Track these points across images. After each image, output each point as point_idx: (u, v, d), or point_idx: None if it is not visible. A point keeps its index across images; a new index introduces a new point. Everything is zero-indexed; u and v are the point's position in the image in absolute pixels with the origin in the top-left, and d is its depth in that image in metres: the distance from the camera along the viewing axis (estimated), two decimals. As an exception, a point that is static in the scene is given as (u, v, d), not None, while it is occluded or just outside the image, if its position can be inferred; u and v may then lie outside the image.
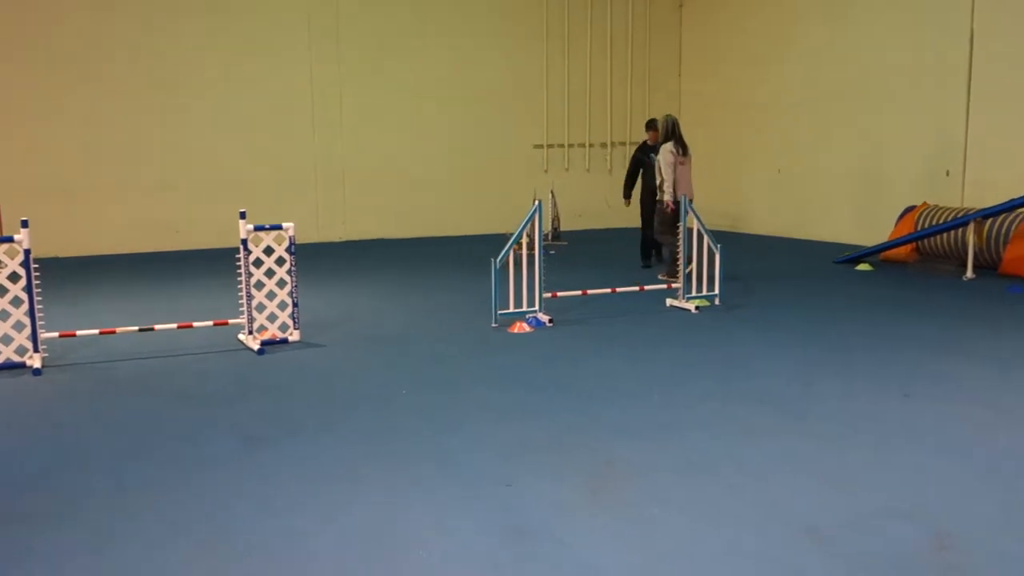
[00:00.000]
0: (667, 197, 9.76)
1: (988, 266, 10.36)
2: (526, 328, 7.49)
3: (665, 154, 9.76)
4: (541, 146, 16.36)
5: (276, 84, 14.35)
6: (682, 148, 9.88)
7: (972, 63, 11.64)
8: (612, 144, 16.72)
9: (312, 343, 7.14)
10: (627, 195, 11.73)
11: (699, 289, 8.58)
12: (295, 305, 7.15)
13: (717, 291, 8.59)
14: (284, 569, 3.33)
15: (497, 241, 14.42)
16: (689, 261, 8.43)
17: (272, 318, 7.28)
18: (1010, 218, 10.23)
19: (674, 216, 9.36)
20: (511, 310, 7.77)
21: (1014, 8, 11.11)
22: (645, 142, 11.34)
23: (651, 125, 11.15)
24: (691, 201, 9.72)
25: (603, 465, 4.33)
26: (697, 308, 8.26)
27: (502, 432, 4.85)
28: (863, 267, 11.02)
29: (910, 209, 11.83)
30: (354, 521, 3.75)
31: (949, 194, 12.01)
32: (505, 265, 7.62)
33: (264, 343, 6.98)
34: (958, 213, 10.92)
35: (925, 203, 11.73)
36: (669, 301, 8.57)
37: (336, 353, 6.83)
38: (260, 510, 3.87)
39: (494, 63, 15.85)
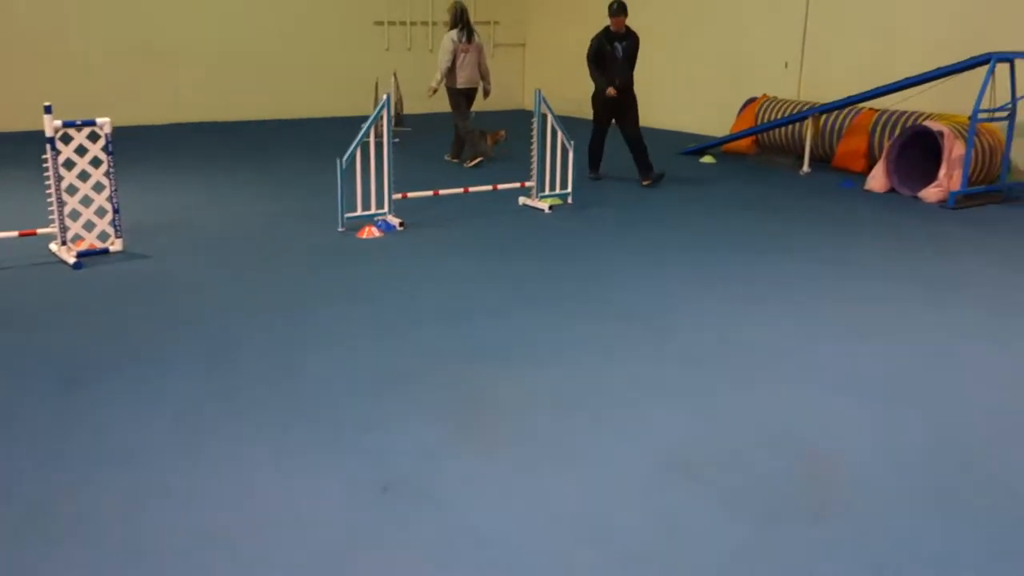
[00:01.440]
0: (432, 83, 10.27)
1: (822, 159, 10.67)
2: (376, 233, 7.09)
3: (446, 41, 10.08)
4: (382, 23, 15.46)
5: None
6: (468, 35, 10.12)
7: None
8: (455, 22, 15.95)
9: (137, 253, 6.49)
10: (610, 82, 9.40)
11: (552, 187, 8.37)
12: (116, 211, 6.44)
13: (570, 189, 8.42)
14: (112, 540, 2.95)
15: (338, 125, 13.72)
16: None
17: (89, 226, 6.54)
18: (844, 113, 10.51)
19: (456, 98, 10.22)
20: (359, 213, 7.32)
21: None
22: (607, 28, 9.46)
23: (619, 9, 9.32)
24: (474, 91, 10.32)
25: (470, 401, 4.12)
26: (550, 208, 8.07)
27: (358, 360, 4.53)
28: (707, 159, 11.14)
29: (751, 101, 11.98)
30: (195, 481, 3.38)
31: (787, 86, 12.22)
32: (351, 163, 7.12)
33: (81, 255, 6.28)
34: (796, 106, 11.14)
35: (764, 95, 11.90)
36: (522, 200, 8.34)
37: (164, 266, 6.23)
38: (87, 462, 3.43)
39: (328, -70, 14.67)
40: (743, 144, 11.57)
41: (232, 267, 6.20)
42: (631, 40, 9.44)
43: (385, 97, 7.20)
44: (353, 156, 7.11)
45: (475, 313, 5.29)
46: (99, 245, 6.45)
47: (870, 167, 10.21)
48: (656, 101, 14.06)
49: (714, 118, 13.10)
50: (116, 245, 6.50)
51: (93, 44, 13.07)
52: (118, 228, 6.49)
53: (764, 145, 11.61)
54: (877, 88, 9.48)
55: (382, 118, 7.20)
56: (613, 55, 9.31)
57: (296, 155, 11.01)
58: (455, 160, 10.68)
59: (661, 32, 13.92)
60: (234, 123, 14.01)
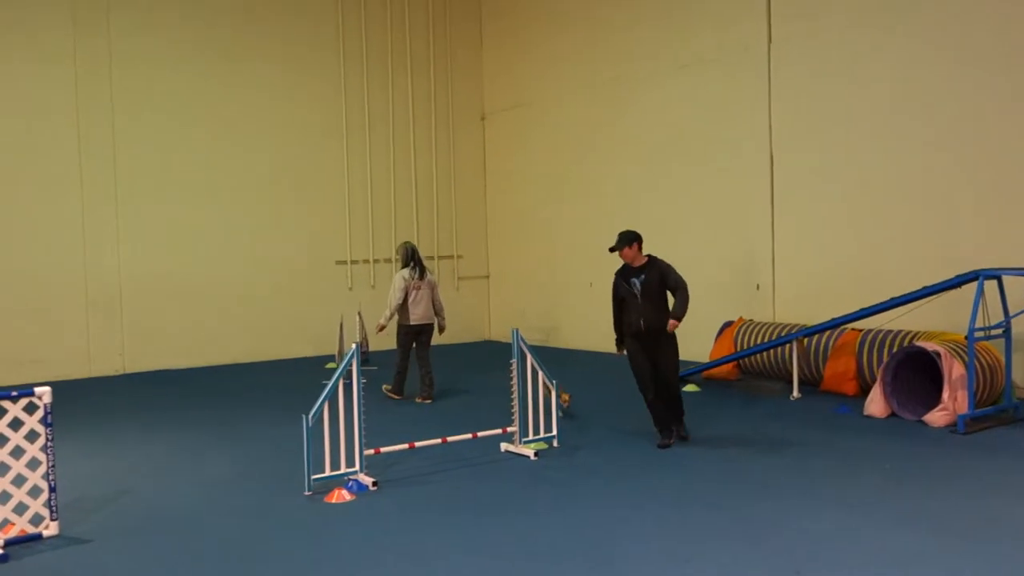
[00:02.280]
0: (381, 320, 10.31)
1: (808, 382, 10.26)
2: (346, 496, 6.35)
3: (397, 279, 10.24)
4: (344, 262, 15.34)
5: (37, 189, 12.61)
6: (419, 272, 10.23)
7: (774, 182, 11.85)
8: (419, 258, 15.91)
9: (74, 537, 5.66)
10: (629, 328, 8.08)
11: (535, 430, 7.77)
12: (52, 490, 5.67)
13: (555, 431, 7.82)
14: None
15: (301, 368, 13.21)
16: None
17: (21, 509, 5.74)
18: (827, 334, 10.23)
19: (406, 336, 10.23)
20: (327, 473, 6.61)
21: (806, 128, 11.44)
22: (626, 265, 8.20)
23: (619, 242, 8.17)
24: (429, 327, 10.28)
25: None
26: (536, 454, 7.43)
27: None
28: (690, 388, 10.67)
29: (728, 325, 11.73)
30: None
31: (761, 308, 12.05)
32: (318, 419, 6.49)
33: (8, 543, 5.44)
34: (775, 329, 10.88)
35: (741, 318, 11.67)
36: (504, 446, 7.69)
37: (105, 553, 5.40)
38: None
39: (291, 174, 14.82)
40: (724, 369, 11.18)
41: (182, 552, 5.38)
42: (653, 272, 7.90)
43: (353, 347, 6.69)
44: (320, 412, 6.49)
45: (470, 599, 4.51)
46: (31, 530, 5.63)
47: (861, 389, 9.83)
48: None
49: (690, 343, 12.79)
50: (51, 529, 5.68)
51: (30, 290, 12.64)
52: (53, 509, 5.69)
53: (746, 369, 11.24)
54: (865, 308, 9.26)
55: (350, 367, 6.65)
56: (632, 294, 7.91)
57: (257, 404, 10.35)
58: (393, 395, 10.40)
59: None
60: (192, 370, 13.40)
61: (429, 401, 10.22)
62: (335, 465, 6.67)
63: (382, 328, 10.32)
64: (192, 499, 6.49)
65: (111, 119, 13.19)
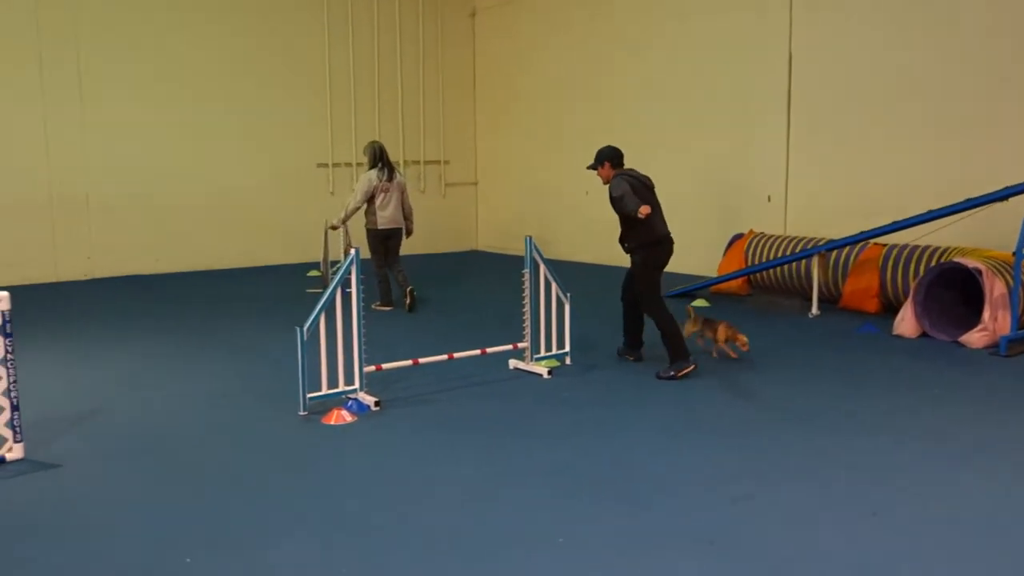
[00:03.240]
0: (334, 220, 9.99)
1: (824, 299, 9.70)
2: (346, 417, 5.71)
3: (363, 180, 9.64)
4: (326, 165, 14.44)
5: (-7, 88, 11.57)
6: (388, 173, 9.63)
7: (791, 88, 11.06)
8: (404, 162, 15.08)
9: (41, 462, 4.99)
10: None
11: (547, 345, 7.15)
12: (15, 408, 4.96)
13: (568, 348, 7.20)
14: None
15: (281, 275, 12.46)
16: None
17: (-22, 429, 5.05)
18: (847, 249, 9.64)
19: (375, 240, 9.65)
20: (324, 391, 5.96)
21: (828, 31, 10.62)
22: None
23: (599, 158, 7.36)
24: (398, 231, 9.72)
25: None
26: (550, 372, 6.82)
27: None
28: (699, 303, 10.07)
29: (738, 237, 11.10)
30: None
31: (771, 220, 11.41)
32: (314, 333, 5.80)
33: (-35, 468, 4.78)
34: (788, 242, 10.27)
35: (751, 231, 11.04)
36: (513, 363, 7.07)
37: (75, 479, 4.75)
38: None
39: (269, 72, 13.78)
40: (734, 284, 10.59)
41: (161, 480, 4.74)
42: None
43: (353, 252, 5.96)
44: (316, 323, 5.80)
45: (498, 547, 3.91)
46: (-10, 453, 4.95)
47: (883, 307, 9.30)
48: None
49: (698, 256, 12.17)
50: (14, 452, 5.00)
51: (11, 194, 11.71)
52: (17, 430, 5.00)
53: (757, 284, 10.65)
54: (900, 221, 8.62)
55: (346, 273, 5.94)
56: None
57: (238, 314, 9.63)
58: (383, 307, 9.81)
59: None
60: (165, 276, 12.61)
61: (389, 308, 9.76)
62: (332, 383, 6.02)
63: (334, 228, 10.10)
64: (172, 418, 5.82)
65: (74, 12, 12.04)
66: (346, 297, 5.94)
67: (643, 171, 7.29)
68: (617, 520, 4.12)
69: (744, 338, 7.23)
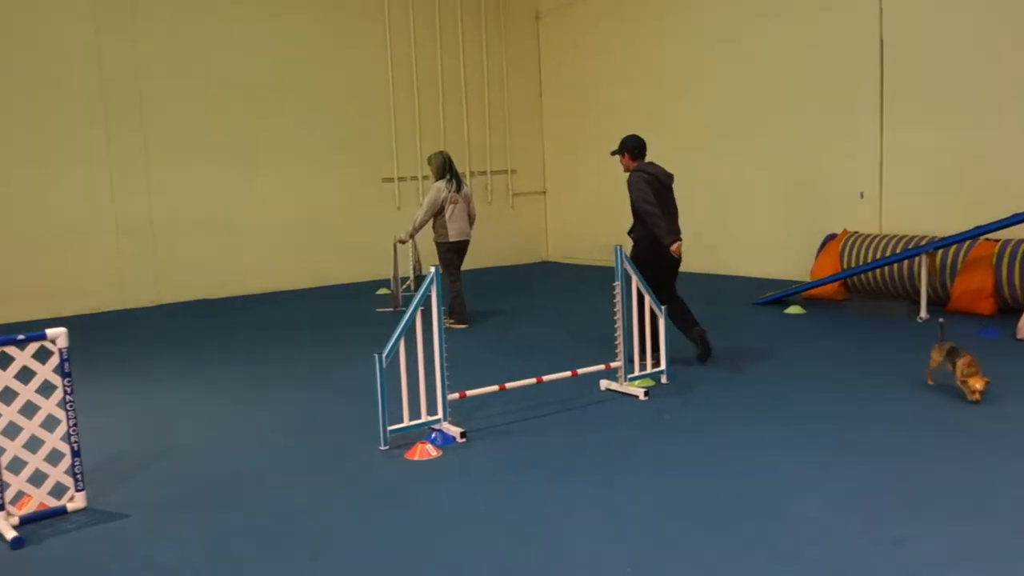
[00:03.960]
0: (402, 234, 9.86)
1: (934, 302, 8.95)
2: (430, 452, 5.22)
3: (433, 192, 9.21)
4: (391, 179, 14.08)
5: (59, 115, 11.42)
6: (456, 184, 9.24)
7: (883, 79, 10.32)
8: (471, 173, 14.64)
9: (106, 511, 4.59)
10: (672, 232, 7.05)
11: (641, 364, 6.58)
12: (75, 454, 4.58)
13: (664, 366, 6.62)
14: None
15: (350, 294, 12.09)
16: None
17: (38, 478, 4.68)
18: (954, 247, 8.89)
19: (448, 254, 9.22)
20: (405, 424, 5.48)
21: (922, 13, 9.87)
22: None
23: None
24: (467, 244, 9.34)
25: None
26: (647, 393, 6.25)
27: None
28: (794, 310, 9.41)
29: (831, 237, 10.39)
30: None
31: (865, 218, 10.66)
32: (393, 359, 5.32)
33: (25, 520, 4.40)
34: (885, 241, 9.55)
35: (845, 231, 10.32)
36: (605, 384, 6.52)
37: (145, 531, 4.33)
38: None
39: (331, 87, 13.46)
40: (829, 289, 9.88)
41: (239, 531, 4.29)
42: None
43: (432, 270, 5.48)
44: (396, 349, 5.32)
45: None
46: (52, 504, 4.57)
47: (1000, 309, 8.54)
48: (718, 244, 12.52)
49: (786, 259, 11.51)
50: (76, 502, 4.62)
51: (57, 220, 11.56)
52: (78, 477, 4.61)
53: (855, 288, 9.93)
54: (1021, 214, 7.86)
55: (428, 295, 5.45)
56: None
57: (308, 338, 9.25)
58: (457, 325, 9.37)
59: (717, 168, 12.51)
60: (232, 299, 12.35)
61: (465, 325, 9.37)
62: (414, 413, 5.54)
63: (402, 242, 10.12)
64: (245, 458, 5.39)
65: (134, 34, 11.87)
66: (439, 318, 5.47)
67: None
68: (767, 569, 3.54)
69: (978, 385, 5.61)
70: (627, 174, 7.17)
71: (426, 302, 5.40)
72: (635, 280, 6.42)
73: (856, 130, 10.64)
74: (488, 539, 4.01)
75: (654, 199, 6.80)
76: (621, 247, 6.34)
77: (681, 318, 7.13)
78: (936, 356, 6.06)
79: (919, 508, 4.10)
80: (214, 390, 7.13)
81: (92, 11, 11.53)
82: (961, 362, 5.75)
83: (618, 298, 6.32)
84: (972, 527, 3.87)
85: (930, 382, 6.12)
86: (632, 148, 7.14)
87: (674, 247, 6.68)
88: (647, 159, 7.22)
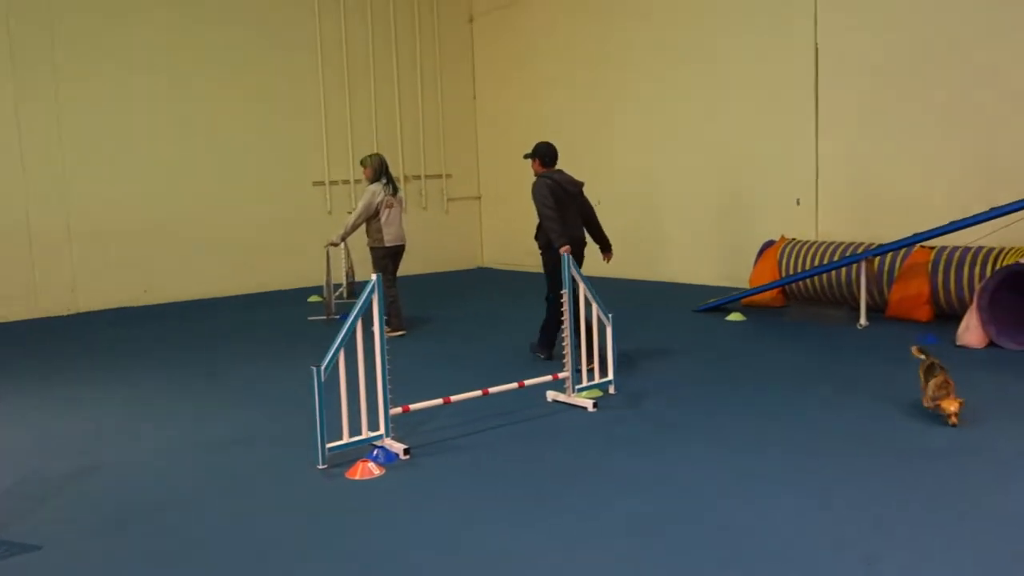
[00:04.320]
0: (334, 237, 9.50)
1: (871, 308, 8.99)
2: (373, 470, 4.92)
3: (368, 194, 8.91)
4: (322, 183, 13.68)
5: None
6: (392, 188, 9.04)
7: (818, 85, 10.38)
8: (405, 177, 14.33)
9: (15, 543, 4.17)
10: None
11: (588, 374, 6.38)
12: (-19, 479, 4.17)
13: (611, 376, 6.44)
14: None
15: (279, 302, 11.66)
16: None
17: (-61, 506, 4.25)
18: (890, 254, 8.94)
19: (384, 259, 8.92)
20: (345, 440, 5.17)
21: (857, 20, 9.95)
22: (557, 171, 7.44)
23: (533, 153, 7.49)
24: (402, 249, 9.10)
25: None
26: (595, 404, 6.05)
27: None
28: (735, 317, 9.36)
29: (769, 244, 10.38)
30: None
31: (801, 225, 10.70)
32: (332, 371, 5.01)
33: (-77, 555, 3.97)
34: (822, 247, 9.58)
35: (783, 237, 10.32)
36: (551, 395, 6.30)
37: (60, 562, 3.94)
38: None
39: (260, 87, 13.01)
40: (767, 295, 9.85)
41: (164, 562, 3.94)
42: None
43: (374, 278, 5.19)
44: (335, 361, 5.02)
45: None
46: (-46, 534, 4.15)
47: (936, 315, 8.61)
48: (656, 251, 12.46)
49: (722, 265, 11.49)
50: (-18, 531, 4.20)
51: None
52: (-15, 504, 4.20)
53: (793, 295, 9.93)
54: (959, 221, 7.91)
55: (370, 303, 5.16)
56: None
57: (237, 348, 8.83)
58: (395, 332, 8.98)
59: (654, 173, 12.46)
60: (154, 307, 11.80)
61: (402, 332, 9.10)
62: (354, 429, 5.24)
63: (334, 245, 9.72)
64: (170, 478, 5.02)
65: (50, 30, 11.26)
66: (380, 329, 5.19)
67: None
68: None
69: (952, 407, 5.20)
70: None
71: (365, 311, 5.11)
72: (582, 288, 6.23)
73: (792, 136, 10.67)
74: (438, 567, 3.74)
75: (554, 204, 7.06)
76: (569, 255, 6.13)
77: (556, 325, 7.20)
78: (920, 375, 5.59)
79: (879, 524, 3.97)
80: (135, 404, 6.70)
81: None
82: (932, 383, 5.33)
83: (565, 307, 6.12)
84: (948, 541, 3.75)
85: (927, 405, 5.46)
86: (543, 155, 7.36)
87: (562, 248, 6.70)
88: (557, 166, 7.40)
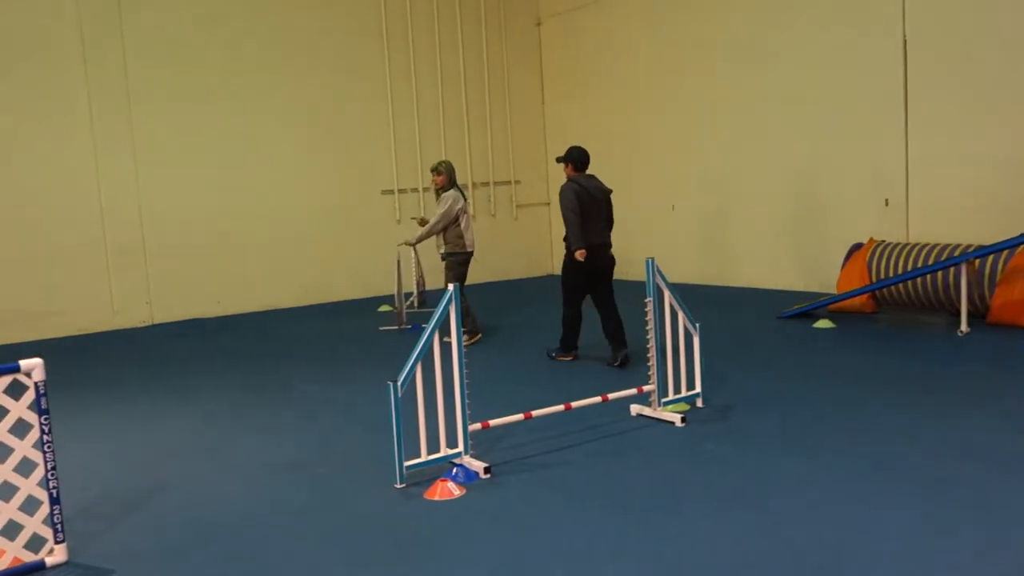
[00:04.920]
0: (411, 239, 9.45)
1: (970, 314, 8.46)
2: (452, 491, 4.68)
3: (449, 201, 8.80)
4: (391, 191, 13.57)
5: (43, 127, 10.89)
6: (463, 195, 9.00)
7: (907, 79, 9.86)
8: (473, 184, 14.15)
9: (89, 565, 4.04)
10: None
11: (675, 386, 6.05)
12: (55, 501, 4.04)
13: (699, 389, 6.10)
14: None
15: (350, 312, 11.57)
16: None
17: (13, 529, 4.13)
18: (991, 256, 8.41)
19: (463, 266, 8.85)
20: (423, 458, 4.94)
21: (946, 15, 9.42)
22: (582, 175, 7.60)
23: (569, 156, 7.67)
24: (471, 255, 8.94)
25: None
26: (684, 419, 5.72)
27: None
28: (823, 324, 8.91)
29: (857, 247, 9.88)
30: None
31: (891, 227, 10.18)
32: (409, 387, 4.79)
33: (-3, 580, 3.86)
34: (914, 250, 9.06)
35: (872, 239, 9.82)
36: (636, 409, 5.99)
37: (134, 590, 3.79)
38: None
39: (328, 98, 12.95)
40: (857, 301, 9.37)
41: (243, 587, 3.75)
42: None
43: (452, 288, 4.96)
44: (412, 376, 4.79)
45: None
46: (29, 558, 4.02)
47: (1045, 320, 8.06)
48: (738, 255, 12.03)
49: (809, 270, 11.02)
50: (56, 555, 4.07)
51: (44, 238, 11.00)
52: (58, 528, 4.07)
53: (884, 300, 9.42)
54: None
55: (448, 316, 4.93)
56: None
57: (308, 360, 8.70)
58: (472, 340, 8.99)
59: (732, 176, 12.05)
60: (228, 318, 11.79)
61: (478, 337, 9.10)
62: (432, 446, 5.00)
63: (409, 245, 9.74)
64: (243, 499, 4.84)
65: (120, 42, 11.35)
66: (458, 342, 4.97)
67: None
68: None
69: None
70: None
71: (443, 322, 4.88)
72: (668, 296, 5.91)
73: (880, 134, 10.17)
74: (529, 599, 3.47)
75: (578, 208, 7.26)
76: (653, 260, 5.82)
77: (612, 333, 7.52)
78: None
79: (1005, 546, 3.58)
80: (209, 419, 6.58)
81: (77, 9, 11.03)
82: None
83: (650, 316, 5.81)
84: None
85: None
86: (576, 160, 7.55)
87: (578, 253, 7.17)
88: (588, 172, 7.59)
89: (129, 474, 5.35)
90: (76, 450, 5.78)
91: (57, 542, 4.06)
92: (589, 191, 7.38)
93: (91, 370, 8.68)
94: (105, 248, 11.31)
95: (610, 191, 7.56)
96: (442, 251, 8.95)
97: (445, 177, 8.93)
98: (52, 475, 4.01)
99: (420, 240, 9.28)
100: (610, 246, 7.53)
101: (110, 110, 11.29)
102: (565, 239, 7.46)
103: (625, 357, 7.42)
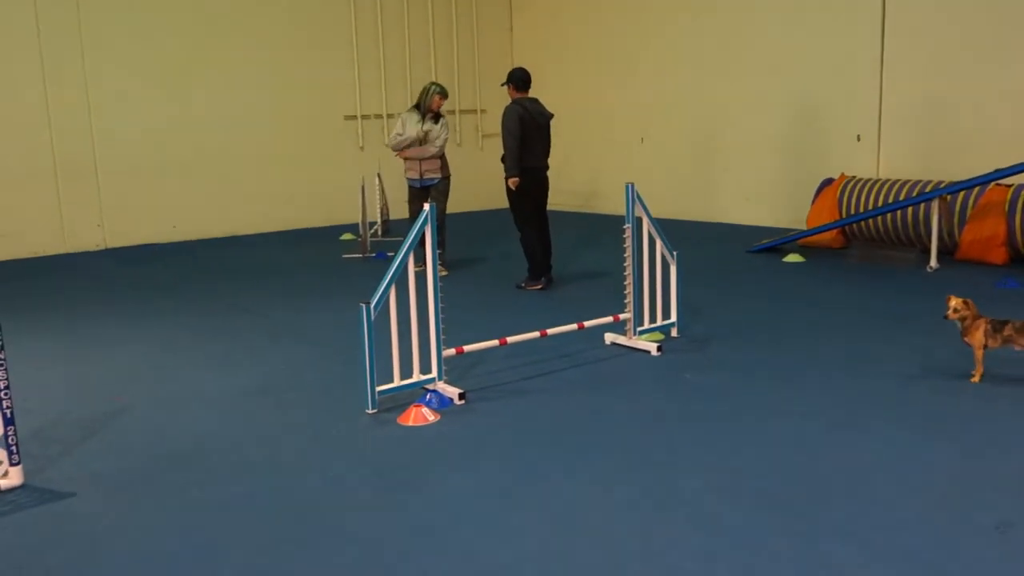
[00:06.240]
0: (396, 139, 8.99)
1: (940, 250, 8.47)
2: (427, 416, 4.55)
3: (446, 128, 8.97)
4: (354, 117, 13.18)
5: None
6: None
7: (885, 15, 9.71)
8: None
9: (46, 489, 3.85)
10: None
11: (651, 316, 5.95)
12: (8, 422, 3.82)
13: (674, 318, 6.01)
14: None
15: (311, 240, 11.28)
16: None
17: (-37, 451, 3.91)
18: (963, 194, 8.39)
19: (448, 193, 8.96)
20: (396, 383, 4.79)
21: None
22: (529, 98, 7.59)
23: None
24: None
25: None
26: (660, 348, 5.63)
27: None
28: (793, 258, 8.87)
29: (827, 183, 9.82)
30: None
31: (861, 162, 10.12)
32: (383, 311, 4.61)
33: (-52, 503, 3.65)
34: (887, 185, 9.03)
35: (843, 175, 9.76)
36: (611, 337, 5.89)
37: (92, 513, 3.61)
38: None
39: (289, 16, 12.44)
40: (826, 236, 9.34)
41: (203, 508, 3.59)
42: None
43: (428, 208, 4.75)
44: (385, 299, 4.61)
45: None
46: (-21, 481, 3.82)
47: (1012, 258, 8.09)
48: (708, 190, 11.90)
49: (779, 205, 10.95)
50: (10, 478, 3.87)
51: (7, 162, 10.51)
52: (13, 449, 3.86)
53: (854, 235, 9.40)
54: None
55: (423, 236, 4.73)
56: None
57: (271, 286, 8.46)
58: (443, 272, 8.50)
59: (706, 109, 11.87)
60: (184, 244, 11.44)
61: (445, 273, 8.61)
62: (406, 372, 4.85)
63: (397, 151, 8.98)
64: (209, 423, 4.66)
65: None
66: (433, 264, 4.80)
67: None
68: (855, 561, 2.96)
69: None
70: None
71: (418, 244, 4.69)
72: (647, 223, 5.77)
73: (854, 69, 10.04)
74: (514, 526, 3.36)
75: (519, 133, 7.28)
76: (633, 185, 5.66)
77: (535, 251, 7.70)
78: (984, 340, 4.80)
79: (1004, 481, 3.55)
80: (169, 345, 6.35)
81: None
82: (1016, 323, 4.76)
83: (628, 243, 5.67)
84: (1077, 507, 3.33)
85: (977, 379, 4.82)
86: (518, 79, 7.52)
87: (511, 181, 7.34)
88: (530, 94, 7.55)
89: (87, 398, 5.13)
90: (29, 372, 5.53)
91: (12, 464, 3.86)
92: (532, 115, 7.41)
93: (42, 295, 8.34)
94: (54, 166, 10.83)
95: (551, 116, 7.61)
96: (431, 177, 8.68)
97: (435, 100, 8.82)
98: (6, 395, 3.78)
99: (405, 146, 8.82)
100: (547, 169, 7.63)
101: (58, 18, 10.71)
102: (503, 159, 7.52)
103: (548, 280, 7.74)
